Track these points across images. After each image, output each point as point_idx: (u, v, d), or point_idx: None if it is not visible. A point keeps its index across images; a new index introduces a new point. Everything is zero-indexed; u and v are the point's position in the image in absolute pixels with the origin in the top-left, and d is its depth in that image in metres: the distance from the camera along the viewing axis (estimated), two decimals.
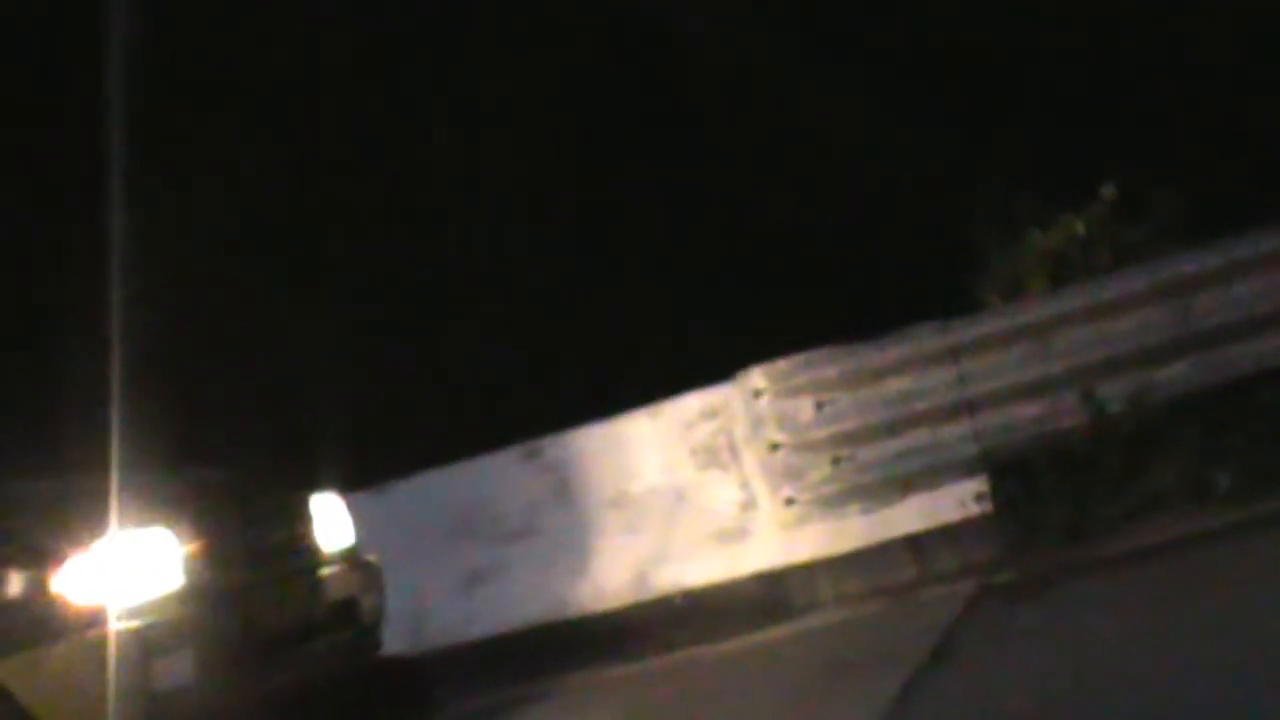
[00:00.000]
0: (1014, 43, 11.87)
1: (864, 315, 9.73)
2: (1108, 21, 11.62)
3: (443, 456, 10.07)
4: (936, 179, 11.37)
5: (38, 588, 6.73)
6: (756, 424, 9.55)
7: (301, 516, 8.01)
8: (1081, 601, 7.63)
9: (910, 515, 9.33)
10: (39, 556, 6.75)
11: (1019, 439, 9.23)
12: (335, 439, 9.76)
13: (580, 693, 8.59)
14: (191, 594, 6.94)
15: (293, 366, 11.82)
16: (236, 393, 11.67)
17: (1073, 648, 6.56)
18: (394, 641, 8.72)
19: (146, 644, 6.69)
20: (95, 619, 6.65)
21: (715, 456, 9.67)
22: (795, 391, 9.48)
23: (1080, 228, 10.00)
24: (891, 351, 9.41)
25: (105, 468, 6.92)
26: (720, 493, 9.66)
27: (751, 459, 9.58)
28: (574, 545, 9.86)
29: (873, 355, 9.43)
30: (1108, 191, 9.99)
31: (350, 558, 8.20)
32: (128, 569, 6.79)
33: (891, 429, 9.37)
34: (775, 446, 9.50)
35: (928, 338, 9.38)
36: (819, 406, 9.46)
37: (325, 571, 7.93)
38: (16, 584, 6.77)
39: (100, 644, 6.60)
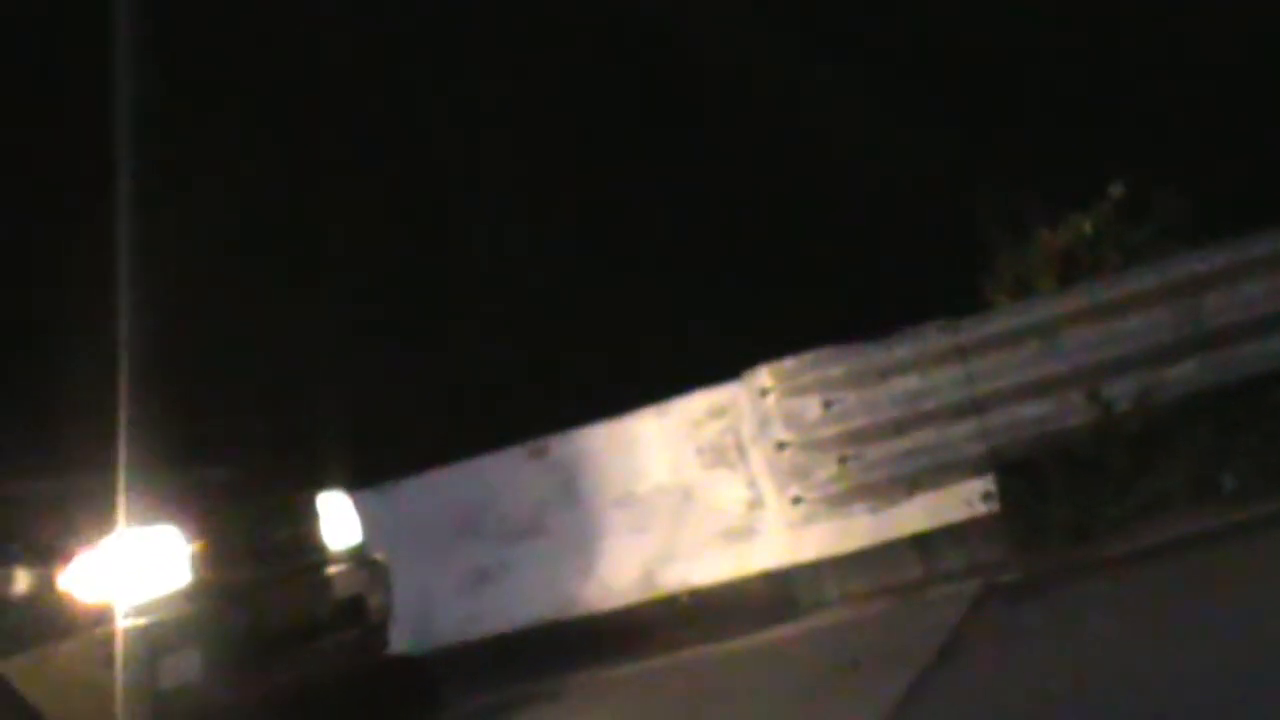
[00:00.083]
0: (1021, 42, 11.87)
1: (871, 314, 9.72)
2: (1114, 21, 11.60)
3: (449, 455, 10.08)
4: (944, 179, 11.36)
5: (45, 586, 6.74)
6: (764, 423, 9.55)
7: (308, 515, 8.02)
8: (1088, 601, 7.63)
9: (917, 514, 9.33)
10: (46, 554, 6.77)
11: (1026, 438, 9.22)
12: (342, 437, 9.76)
13: (587, 691, 8.60)
14: (198, 592, 6.95)
15: (299, 365, 11.83)
16: (242, 391, 11.67)
17: (1078, 648, 6.56)
18: (400, 640, 8.73)
19: (153, 641, 6.70)
20: (102, 617, 6.66)
21: (722, 455, 9.67)
22: (802, 390, 9.48)
23: (1088, 227, 9.98)
24: (899, 351, 9.40)
25: (112, 466, 6.93)
26: (727, 491, 9.66)
27: (758, 458, 9.58)
28: (581, 544, 9.86)
29: (880, 354, 9.43)
30: (1116, 190, 9.98)
31: (357, 556, 8.21)
32: (134, 567, 6.80)
33: (899, 428, 9.36)
34: (782, 445, 9.50)
35: (935, 337, 9.37)
36: (826, 405, 9.46)
37: (332, 570, 7.94)
38: (24, 582, 6.78)
39: (107, 641, 6.61)
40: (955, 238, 10.42)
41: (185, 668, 6.76)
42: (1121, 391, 9.08)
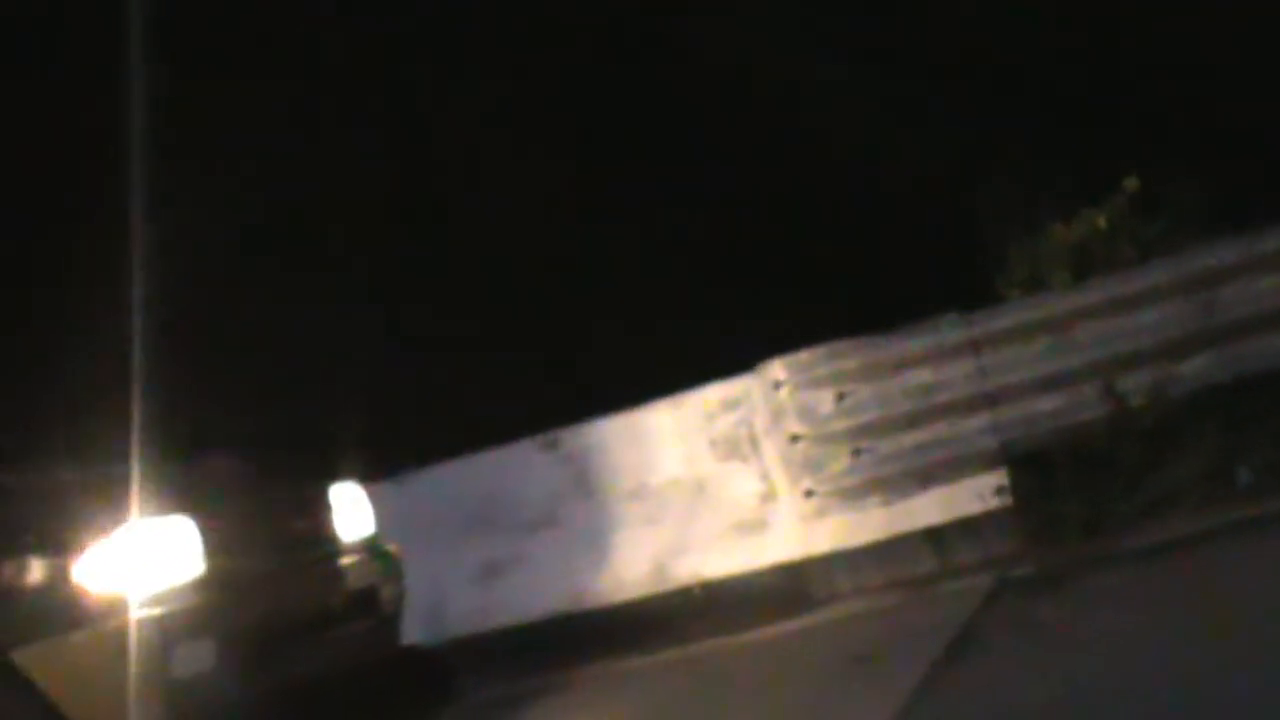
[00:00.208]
0: (1036, 36, 11.86)
1: (885, 307, 9.71)
2: (1128, 16, 11.58)
3: (462, 447, 10.09)
4: (958, 173, 11.35)
5: (58, 576, 6.75)
6: (777, 415, 9.55)
7: (322, 506, 8.02)
8: (1100, 596, 7.62)
9: (930, 508, 9.32)
10: (59, 545, 6.77)
11: (1039, 432, 9.22)
12: (355, 429, 9.76)
13: (599, 683, 8.60)
14: (211, 582, 6.95)
15: (312, 357, 11.84)
16: (257, 383, 11.68)
17: (1091, 642, 6.56)
18: (413, 631, 8.74)
19: (166, 632, 6.70)
20: (115, 607, 6.67)
21: (735, 448, 9.67)
22: (816, 383, 9.48)
23: (1102, 221, 9.97)
24: (912, 344, 9.40)
25: (125, 457, 6.94)
26: (740, 484, 9.67)
27: (771, 450, 9.58)
28: (593, 536, 9.87)
29: (893, 347, 9.43)
30: (1129, 184, 9.97)
31: (370, 547, 8.21)
32: (147, 557, 6.80)
33: (912, 421, 9.36)
34: (795, 438, 9.50)
35: (949, 330, 9.37)
36: (839, 398, 9.46)
37: (345, 561, 7.94)
38: (38, 573, 6.79)
39: (121, 632, 6.61)
40: (969, 231, 10.41)
41: (198, 658, 6.76)
42: (1135, 386, 9.07)
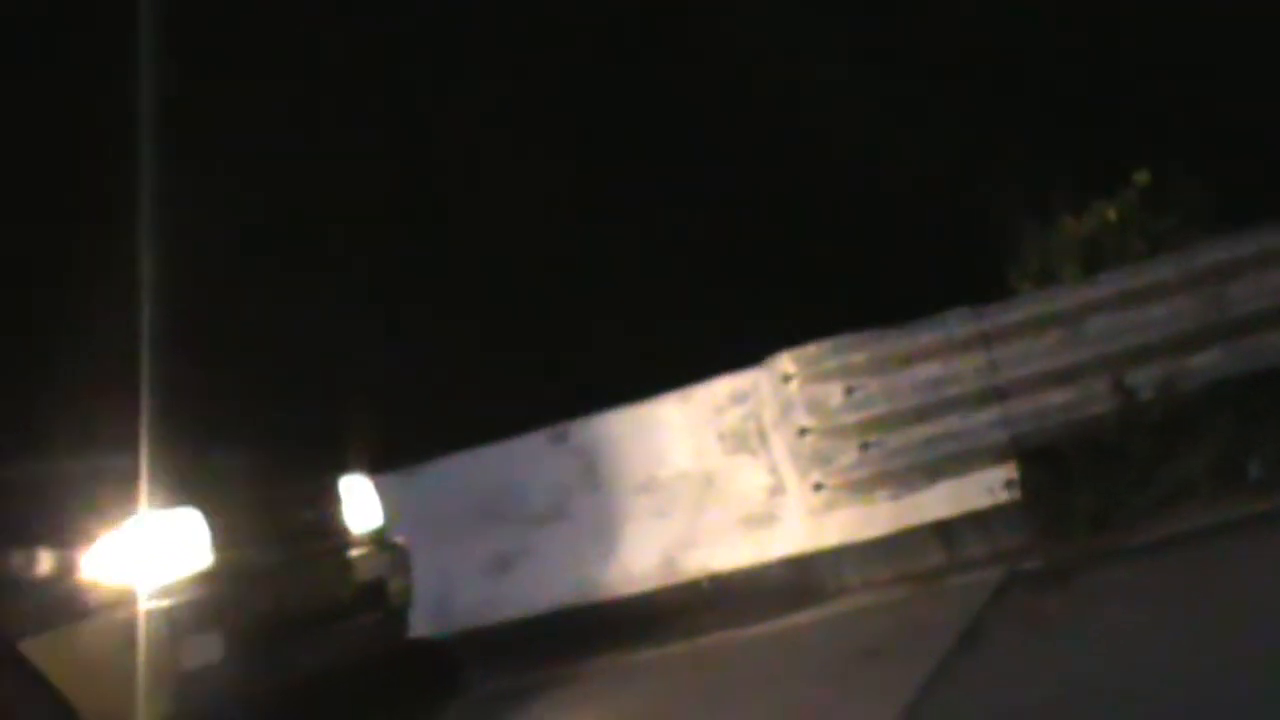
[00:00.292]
0: (1047, 30, 11.85)
1: (895, 300, 9.70)
2: (1140, 12, 11.57)
3: (471, 439, 10.09)
4: (969, 166, 11.34)
5: (68, 567, 6.76)
6: (785, 409, 9.54)
7: (330, 498, 8.03)
8: (1110, 590, 7.61)
9: (939, 501, 9.31)
10: (69, 536, 6.78)
11: (1049, 426, 9.19)
12: (364, 421, 9.77)
13: (607, 676, 8.60)
14: (220, 574, 6.96)
15: (322, 349, 11.85)
16: (266, 376, 11.69)
17: (1100, 636, 6.55)
18: (421, 624, 8.74)
19: (175, 623, 6.71)
20: (124, 598, 6.68)
21: (744, 441, 9.67)
22: (825, 376, 9.47)
23: (1112, 215, 9.96)
24: (922, 337, 9.38)
25: (134, 449, 6.94)
26: (749, 477, 9.66)
27: (780, 444, 9.57)
28: (602, 529, 9.87)
29: (903, 341, 9.41)
30: (1140, 178, 9.96)
31: (378, 540, 8.22)
32: (157, 549, 6.81)
33: (921, 415, 9.35)
34: (804, 431, 9.49)
35: (958, 324, 9.35)
36: (848, 392, 9.44)
37: (353, 553, 7.95)
38: (47, 563, 6.80)
39: (130, 623, 6.63)
40: (979, 225, 10.40)
41: (207, 650, 6.77)
42: (1145, 379, 9.04)
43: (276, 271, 12.02)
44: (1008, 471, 9.17)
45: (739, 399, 9.69)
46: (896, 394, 9.37)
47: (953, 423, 9.30)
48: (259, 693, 7.05)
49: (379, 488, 8.45)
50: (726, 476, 9.70)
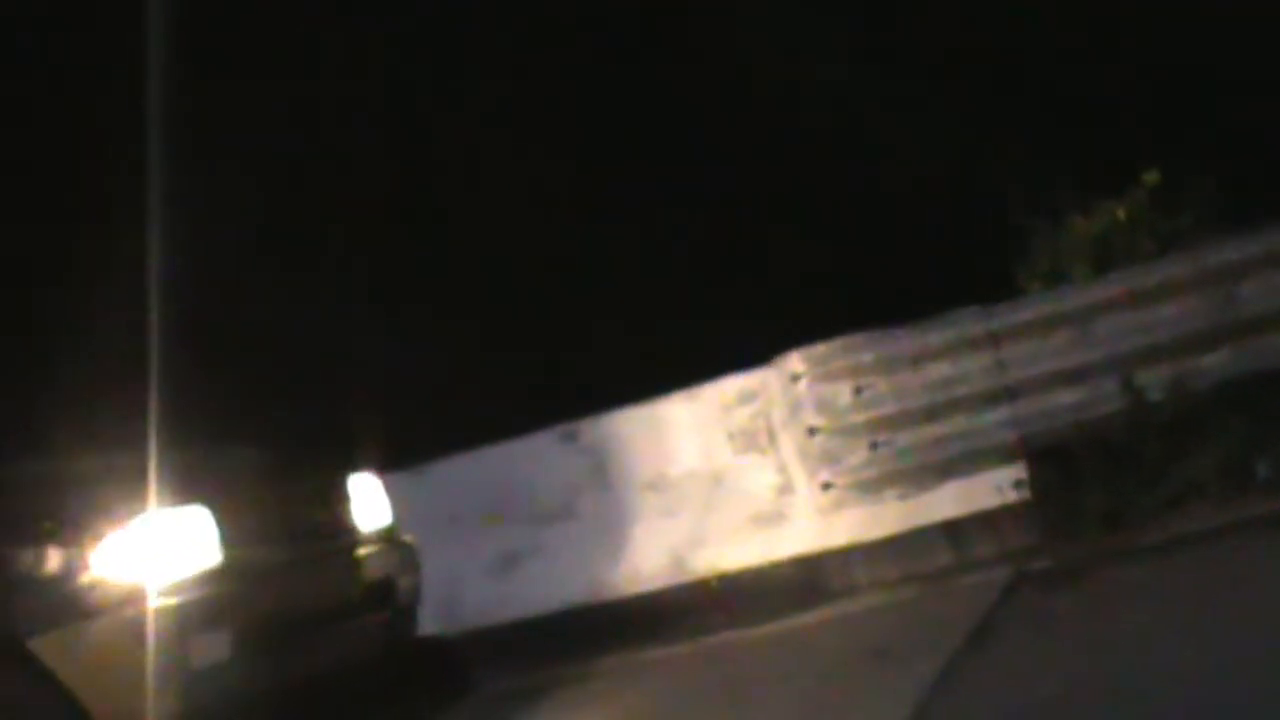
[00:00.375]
0: (1058, 30, 11.84)
1: (904, 299, 9.70)
2: (1150, 10, 11.55)
3: (480, 438, 10.09)
4: (980, 165, 11.33)
5: (76, 565, 6.75)
6: (794, 408, 9.54)
7: (339, 496, 8.02)
8: (1119, 590, 7.61)
9: (948, 501, 9.31)
10: (77, 534, 6.77)
11: (1058, 426, 9.19)
12: (373, 419, 9.77)
13: (615, 675, 8.59)
14: (228, 572, 6.95)
15: (330, 347, 11.85)
16: (275, 373, 11.70)
17: (1110, 636, 6.54)
18: (430, 622, 8.74)
19: (183, 621, 6.70)
20: (133, 596, 6.67)
21: (753, 440, 9.67)
22: (834, 376, 9.46)
23: (1122, 214, 9.96)
24: (931, 336, 9.38)
25: (143, 446, 6.94)
26: (757, 477, 9.66)
27: (789, 443, 9.57)
28: (611, 528, 9.87)
29: (912, 340, 9.41)
30: (1150, 178, 9.95)
31: (387, 538, 8.21)
32: (165, 547, 6.81)
33: (930, 414, 9.34)
34: (813, 431, 9.49)
35: (968, 323, 9.35)
36: (857, 391, 9.45)
37: (362, 551, 7.94)
38: (55, 561, 6.79)
39: (138, 621, 6.61)
40: (989, 224, 10.39)
41: (215, 648, 6.76)
42: (1155, 379, 9.04)
43: (285, 270, 12.03)
44: (1017, 471, 9.16)
45: (748, 398, 9.69)
46: (905, 393, 9.37)
47: (962, 422, 9.30)
48: (267, 691, 7.04)
49: (388, 486, 8.44)
50: (735, 476, 9.70)
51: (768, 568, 9.60)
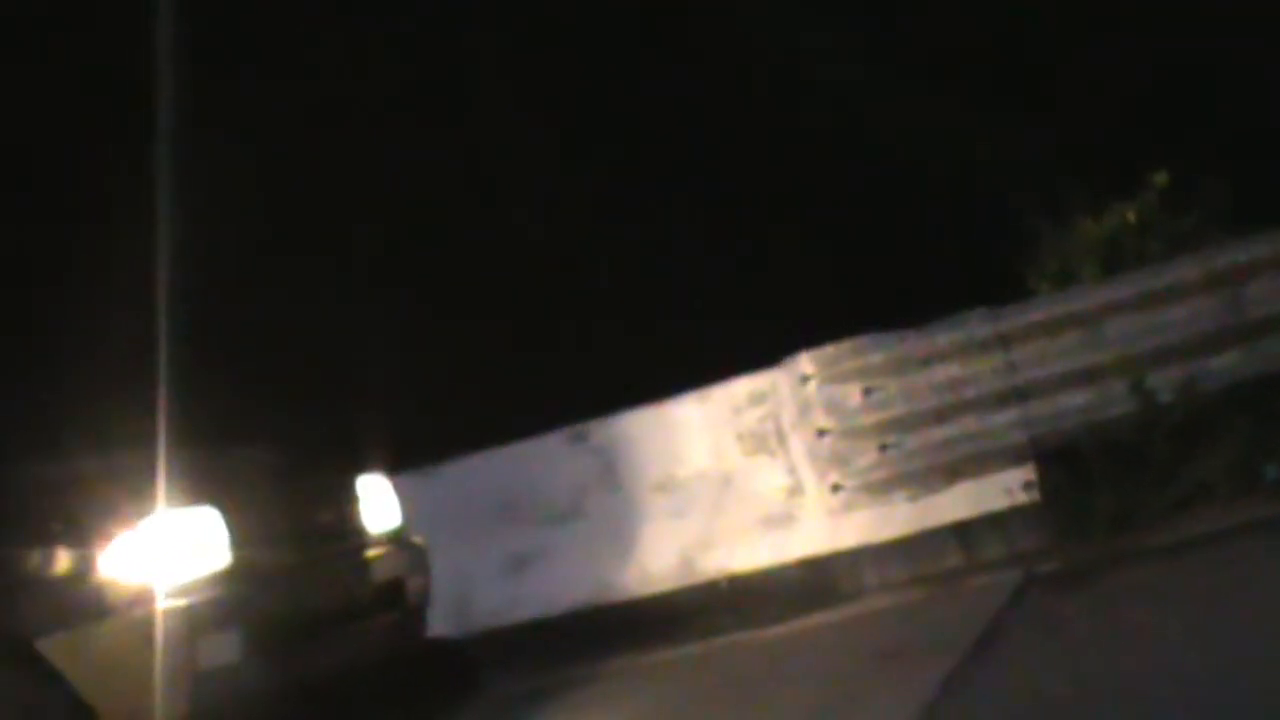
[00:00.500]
0: (1067, 31, 11.83)
1: (913, 301, 9.69)
2: (1159, 12, 11.55)
3: (489, 439, 10.09)
4: (988, 167, 11.33)
5: (85, 566, 6.76)
6: (804, 410, 9.54)
7: (349, 498, 8.02)
8: (1129, 591, 7.60)
9: (957, 503, 9.30)
10: (86, 535, 6.78)
11: (1068, 427, 9.19)
12: (382, 420, 9.77)
13: (624, 676, 8.59)
14: (237, 573, 6.96)
15: (341, 349, 11.86)
16: (285, 374, 11.71)
17: (1119, 638, 6.54)
18: (439, 623, 8.74)
19: (193, 622, 6.71)
20: (142, 597, 6.67)
21: (762, 442, 9.67)
22: (843, 377, 9.46)
23: (1131, 216, 9.95)
24: (940, 338, 9.38)
25: (152, 447, 6.95)
26: (767, 478, 9.66)
27: (799, 445, 9.57)
28: (620, 529, 9.87)
29: (921, 342, 9.40)
30: (1159, 179, 9.94)
31: (397, 539, 8.21)
32: (174, 548, 6.81)
33: (939, 416, 9.34)
34: (822, 432, 9.49)
35: (977, 325, 9.35)
36: (867, 393, 9.44)
37: (372, 553, 7.94)
38: (65, 562, 6.80)
39: (147, 622, 6.62)
40: (998, 226, 10.38)
41: (224, 649, 6.77)
42: (1164, 381, 9.03)
43: (295, 271, 12.04)
44: (1026, 473, 9.16)
45: (757, 399, 9.69)
46: (915, 395, 9.37)
47: (971, 424, 9.30)
48: (276, 692, 7.05)
49: (397, 487, 8.44)
50: (745, 477, 9.70)
51: (777, 569, 9.60)
